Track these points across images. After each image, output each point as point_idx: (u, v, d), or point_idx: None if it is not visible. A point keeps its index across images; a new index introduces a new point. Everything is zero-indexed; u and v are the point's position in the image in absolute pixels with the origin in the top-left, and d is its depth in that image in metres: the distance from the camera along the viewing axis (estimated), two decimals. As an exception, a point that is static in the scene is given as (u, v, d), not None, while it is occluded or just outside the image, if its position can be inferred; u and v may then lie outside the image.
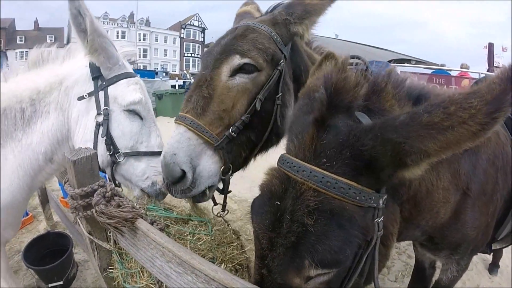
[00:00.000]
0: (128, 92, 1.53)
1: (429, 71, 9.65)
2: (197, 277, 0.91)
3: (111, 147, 1.47)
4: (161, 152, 1.36)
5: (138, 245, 1.15)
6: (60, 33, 44.92)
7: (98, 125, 1.48)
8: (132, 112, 1.54)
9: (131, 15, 49.98)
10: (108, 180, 1.40)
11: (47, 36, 44.21)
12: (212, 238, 1.35)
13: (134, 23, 47.25)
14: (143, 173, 1.52)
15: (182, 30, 55.17)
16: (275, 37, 1.32)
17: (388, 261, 0.93)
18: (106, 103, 1.49)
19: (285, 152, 0.84)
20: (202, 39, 56.93)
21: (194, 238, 1.31)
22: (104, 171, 1.57)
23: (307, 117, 0.81)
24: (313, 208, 0.70)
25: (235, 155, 1.28)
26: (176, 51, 54.63)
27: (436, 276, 1.80)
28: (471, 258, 1.51)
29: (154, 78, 19.89)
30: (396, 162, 0.69)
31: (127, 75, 1.57)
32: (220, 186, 1.38)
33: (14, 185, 1.44)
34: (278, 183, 0.79)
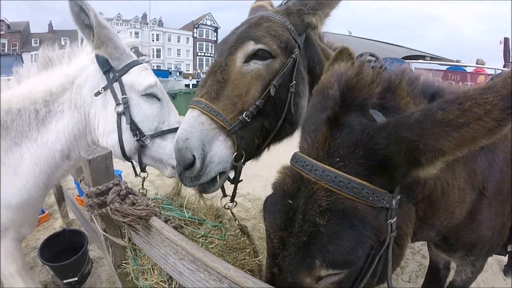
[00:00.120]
0: (142, 77, 1.58)
1: (444, 68, 9.44)
2: (209, 274, 0.92)
3: (137, 132, 1.52)
4: None
5: (152, 242, 1.16)
6: (74, 35, 45.51)
7: (119, 115, 1.52)
8: (150, 95, 1.59)
9: (144, 16, 50.74)
10: (122, 178, 1.42)
11: (62, 38, 45.07)
12: (225, 242, 1.35)
13: (147, 24, 47.75)
14: (171, 150, 1.55)
15: (195, 29, 55.62)
16: (289, 26, 1.33)
17: (402, 260, 0.92)
18: (123, 92, 1.53)
19: (298, 150, 0.84)
20: (215, 38, 57.25)
21: (207, 241, 1.32)
22: (129, 160, 1.61)
23: (320, 115, 0.81)
24: (325, 208, 0.70)
25: (248, 142, 1.27)
26: (189, 51, 55.10)
27: (450, 277, 1.77)
28: (486, 259, 1.48)
29: (168, 77, 20.13)
30: (410, 161, 0.67)
31: (136, 63, 1.61)
32: (231, 175, 1.36)
33: (30, 183, 1.48)
34: (290, 182, 0.79)
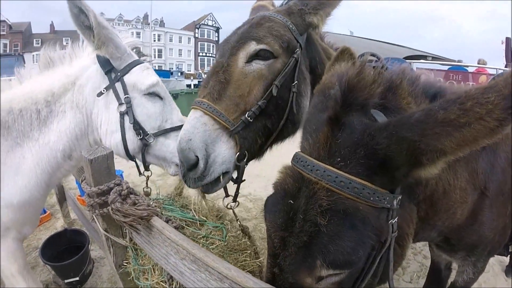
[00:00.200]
0: (144, 76, 1.58)
1: (446, 68, 9.43)
2: (210, 274, 0.92)
3: (140, 131, 1.53)
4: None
5: (153, 242, 1.16)
6: (76, 35, 45.35)
7: (122, 114, 1.52)
8: (152, 94, 1.60)
9: (146, 16, 50.80)
10: (124, 178, 1.42)
11: (63, 38, 45.26)
12: (225, 243, 1.36)
13: (149, 24, 47.85)
14: (175, 149, 1.53)
15: (196, 30, 55.74)
16: (291, 26, 1.33)
17: (403, 261, 0.91)
18: (126, 91, 1.54)
19: (300, 150, 0.84)
20: (217, 39, 57.29)
21: (207, 242, 1.32)
22: (133, 159, 1.62)
23: (322, 115, 0.81)
24: (326, 208, 0.70)
25: (251, 142, 1.27)
26: (190, 51, 55.23)
27: (452, 278, 1.77)
28: (488, 260, 1.47)
29: (169, 78, 20.15)
30: (412, 161, 0.67)
31: (137, 62, 1.61)
32: (234, 175, 1.36)
33: (32, 182, 1.48)
34: (291, 181, 0.79)
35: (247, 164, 1.32)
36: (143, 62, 1.64)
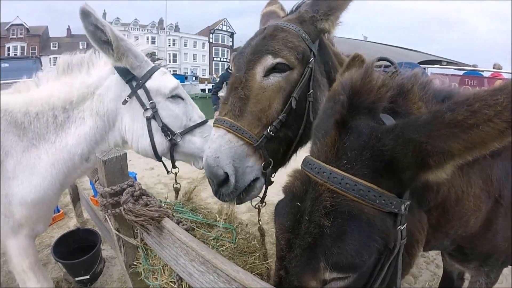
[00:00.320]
0: (166, 81, 1.66)
1: (461, 72, 9.26)
2: (218, 276, 0.93)
3: (168, 132, 1.60)
4: (205, 121, 1.71)
5: (163, 243, 1.18)
6: (92, 39, 46.93)
7: (148, 119, 1.59)
8: (175, 96, 1.67)
9: (161, 21, 51.87)
10: (137, 179, 1.45)
11: (80, 42, 46.52)
12: (235, 246, 1.37)
13: (164, 29, 48.76)
14: (201, 144, 1.66)
15: (211, 35, 56.60)
16: (304, 35, 1.34)
17: (411, 269, 0.90)
18: (149, 97, 1.60)
19: (309, 154, 0.85)
20: (231, 44, 58.06)
21: (218, 244, 1.34)
22: (160, 159, 1.70)
23: (330, 119, 0.80)
24: (330, 210, 0.70)
25: (274, 152, 1.31)
26: (205, 56, 56.13)
27: (465, 288, 1.73)
28: (502, 270, 1.43)
29: (184, 82, 20.43)
30: (418, 163, 0.66)
31: (156, 68, 1.67)
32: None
33: (47, 182, 1.53)
34: (299, 184, 0.79)
35: (275, 172, 1.38)
36: (159, 68, 1.70)
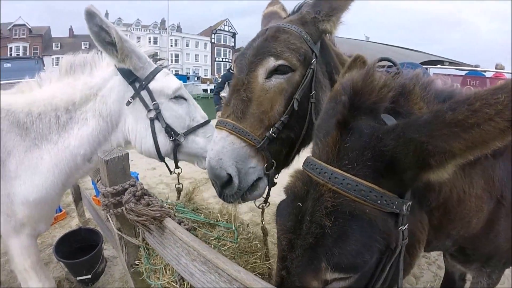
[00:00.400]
0: (169, 82, 1.67)
1: (463, 73, 9.24)
2: (220, 276, 0.93)
3: (172, 133, 1.61)
4: (208, 121, 1.73)
5: (165, 243, 1.19)
6: (94, 39, 47.20)
7: (152, 120, 1.60)
8: (178, 97, 1.68)
9: (163, 22, 51.97)
10: (139, 179, 1.45)
11: (82, 42, 46.69)
12: (237, 245, 1.38)
13: (166, 29, 48.82)
14: (204, 143, 1.67)
15: (213, 35, 56.70)
16: (305, 36, 1.34)
17: (412, 269, 0.90)
18: (153, 98, 1.61)
19: (311, 154, 0.85)
20: (233, 44, 58.13)
21: (219, 243, 1.35)
22: (163, 159, 1.71)
23: (332, 120, 0.81)
24: (331, 210, 0.70)
25: (277, 153, 1.31)
26: (207, 56, 56.16)
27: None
28: (503, 271, 1.43)
29: (186, 82, 20.50)
30: (419, 163, 0.66)
31: (158, 69, 1.68)
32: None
33: (49, 181, 1.54)
34: (301, 185, 0.79)
35: (279, 173, 1.39)
36: (162, 69, 1.71)
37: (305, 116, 1.33)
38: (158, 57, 1.83)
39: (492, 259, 1.23)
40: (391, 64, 1.35)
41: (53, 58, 43.12)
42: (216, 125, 1.31)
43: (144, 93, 1.61)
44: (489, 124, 0.58)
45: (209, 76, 46.32)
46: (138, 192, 1.23)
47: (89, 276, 2.61)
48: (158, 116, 1.61)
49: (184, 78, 24.63)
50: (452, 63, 12.42)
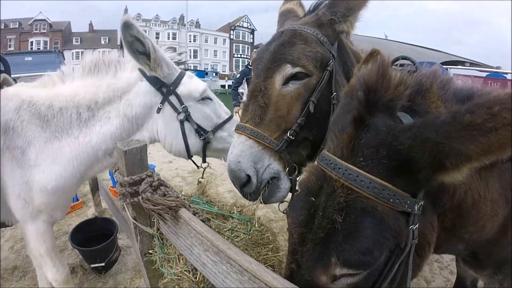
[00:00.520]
0: (195, 85, 1.73)
1: (484, 74, 8.97)
2: (231, 266, 0.95)
3: (202, 132, 1.69)
4: (231, 115, 1.82)
5: (179, 233, 1.22)
6: (114, 34, 48.40)
7: (182, 122, 1.67)
8: (205, 98, 1.74)
9: (182, 17, 52.51)
10: (155, 171, 1.49)
11: (101, 37, 47.68)
12: (250, 237, 1.39)
13: (185, 25, 49.24)
14: (229, 135, 1.74)
15: (232, 31, 56.75)
16: (322, 38, 1.34)
17: (420, 271, 0.89)
18: (181, 102, 1.67)
19: (326, 150, 0.85)
20: (252, 40, 58.05)
21: (232, 235, 1.37)
22: (191, 158, 1.79)
23: (347, 115, 0.81)
24: (343, 206, 0.70)
25: (297, 155, 1.33)
26: (225, 52, 56.35)
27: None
28: (516, 279, 1.40)
29: (204, 78, 20.67)
30: (435, 164, 0.66)
31: (183, 74, 1.73)
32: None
33: (68, 172, 1.59)
34: (314, 179, 0.80)
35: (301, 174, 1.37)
36: (186, 73, 1.76)
37: (325, 118, 1.32)
38: (177, 52, 1.87)
39: (504, 265, 1.20)
40: (410, 63, 1.34)
41: (73, 52, 44.25)
42: (235, 129, 1.35)
43: (172, 98, 1.67)
44: (506, 129, 0.58)
45: (227, 72, 46.31)
46: (155, 183, 1.27)
47: (103, 264, 2.67)
48: (188, 118, 1.67)
49: (202, 73, 24.89)
50: (473, 64, 12.10)
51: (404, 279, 0.77)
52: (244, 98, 6.48)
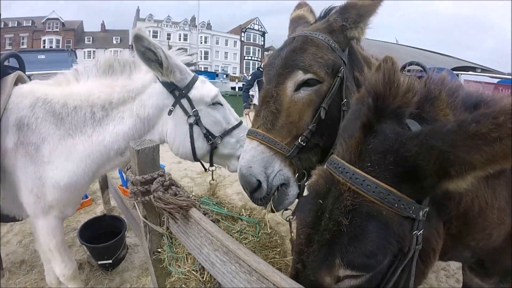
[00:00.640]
0: (207, 90, 1.76)
1: (495, 80, 8.84)
2: (240, 266, 0.97)
3: (210, 137, 1.71)
4: (240, 122, 1.83)
5: (189, 232, 1.24)
6: (125, 34, 49.02)
7: (191, 125, 1.70)
8: (216, 103, 1.77)
9: (193, 19, 52.83)
10: (165, 171, 1.52)
11: (113, 37, 48.27)
12: (258, 240, 1.41)
13: (196, 27, 49.60)
14: (237, 142, 1.78)
15: (243, 33, 57.09)
16: (333, 44, 1.35)
17: (425, 278, 0.88)
18: (192, 105, 1.70)
19: (335, 154, 0.87)
20: (262, 43, 58.28)
21: (241, 236, 1.39)
22: (198, 161, 1.81)
23: (357, 121, 0.82)
24: (350, 209, 0.72)
25: (307, 161, 1.34)
26: (236, 54, 56.66)
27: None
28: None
29: (214, 79, 20.79)
30: (440, 172, 0.67)
31: (196, 78, 1.76)
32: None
33: (80, 169, 1.63)
34: (323, 182, 0.82)
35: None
36: (198, 77, 1.79)
37: (335, 124, 1.33)
38: (188, 53, 1.90)
39: (511, 274, 1.20)
40: (418, 67, 1.34)
41: (85, 51, 44.90)
42: (247, 134, 1.36)
43: (184, 101, 1.70)
44: (511, 139, 0.59)
45: (237, 74, 46.56)
46: (166, 182, 1.30)
47: (110, 261, 2.71)
48: (198, 122, 1.70)
49: (213, 75, 24.98)
50: (484, 70, 11.94)
51: (407, 284, 0.78)
52: (255, 100, 6.52)
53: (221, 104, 1.81)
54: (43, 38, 45.29)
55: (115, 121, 1.67)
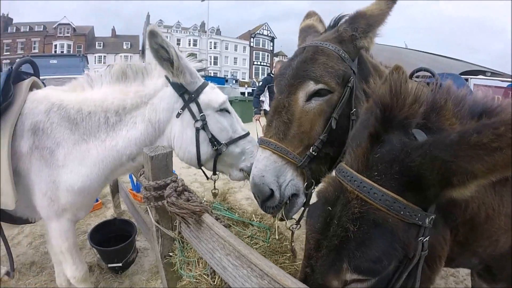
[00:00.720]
0: (216, 96, 1.78)
1: (505, 84, 8.72)
2: (252, 271, 0.99)
3: (215, 142, 1.72)
4: (247, 133, 1.82)
5: (201, 237, 1.27)
6: (136, 40, 49.78)
7: (198, 130, 1.72)
8: (223, 110, 1.79)
9: (203, 24, 53.15)
10: (178, 176, 1.56)
11: (124, 42, 48.96)
12: (268, 245, 1.44)
13: (206, 32, 49.98)
14: (241, 153, 1.79)
15: (252, 39, 57.39)
16: (343, 54, 1.37)
17: (432, 285, 0.89)
18: (200, 110, 1.73)
19: (344, 162, 0.89)
20: (272, 48, 58.49)
21: (252, 242, 1.42)
22: (201, 167, 1.82)
23: (365, 131, 0.85)
24: (357, 216, 0.75)
25: (317, 171, 1.36)
26: (245, 60, 56.92)
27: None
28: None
29: (224, 85, 20.85)
30: (443, 181, 0.69)
31: (206, 84, 1.79)
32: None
33: (94, 174, 1.68)
34: (332, 190, 0.85)
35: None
36: (209, 83, 1.83)
37: (346, 134, 1.35)
38: (197, 58, 1.94)
39: None
40: (427, 74, 1.35)
41: (95, 56, 45.60)
42: (259, 143, 1.39)
43: (192, 105, 1.73)
44: (511, 149, 0.61)
45: (247, 80, 46.76)
46: (179, 188, 1.34)
47: (120, 264, 2.74)
48: (204, 126, 1.71)
49: (222, 80, 25.05)
50: (494, 73, 11.78)
51: None
52: (265, 106, 6.56)
53: (229, 112, 1.83)
54: (54, 43, 46.16)
55: (128, 126, 1.70)
